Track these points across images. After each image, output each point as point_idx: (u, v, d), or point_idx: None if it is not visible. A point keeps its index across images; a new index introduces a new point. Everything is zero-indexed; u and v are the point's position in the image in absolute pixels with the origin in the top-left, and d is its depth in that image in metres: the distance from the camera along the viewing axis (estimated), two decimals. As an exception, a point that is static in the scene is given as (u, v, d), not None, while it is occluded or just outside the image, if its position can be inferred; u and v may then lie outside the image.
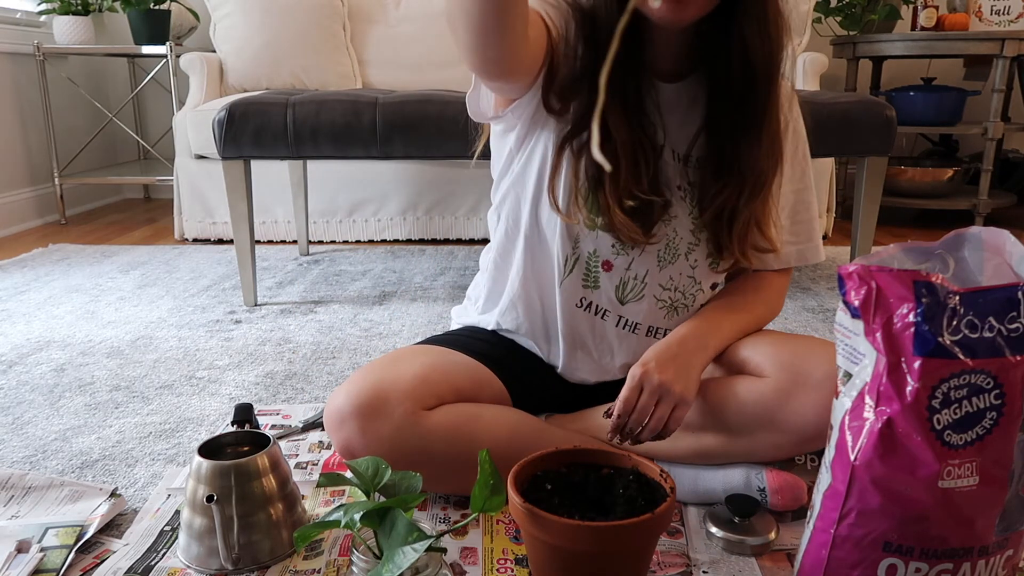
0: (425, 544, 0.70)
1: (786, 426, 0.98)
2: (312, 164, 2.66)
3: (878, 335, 0.73)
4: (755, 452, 1.01)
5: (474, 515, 0.80)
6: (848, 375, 0.77)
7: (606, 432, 0.98)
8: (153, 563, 0.93)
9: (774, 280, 1.12)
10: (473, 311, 1.21)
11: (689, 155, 1.00)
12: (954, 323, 0.71)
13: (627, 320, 1.07)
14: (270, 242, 2.82)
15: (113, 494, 1.07)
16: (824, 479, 0.79)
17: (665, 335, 1.06)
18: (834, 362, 0.81)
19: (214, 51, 2.97)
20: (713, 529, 0.97)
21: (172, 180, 2.87)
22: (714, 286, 1.10)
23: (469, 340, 1.13)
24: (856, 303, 0.75)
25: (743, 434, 1.00)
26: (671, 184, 1.01)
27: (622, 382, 1.12)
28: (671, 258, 1.04)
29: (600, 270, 1.04)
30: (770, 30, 0.90)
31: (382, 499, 0.81)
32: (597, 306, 1.07)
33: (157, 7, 3.04)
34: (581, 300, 1.07)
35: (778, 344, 1.02)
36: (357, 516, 0.74)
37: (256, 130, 1.83)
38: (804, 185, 1.10)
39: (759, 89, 0.93)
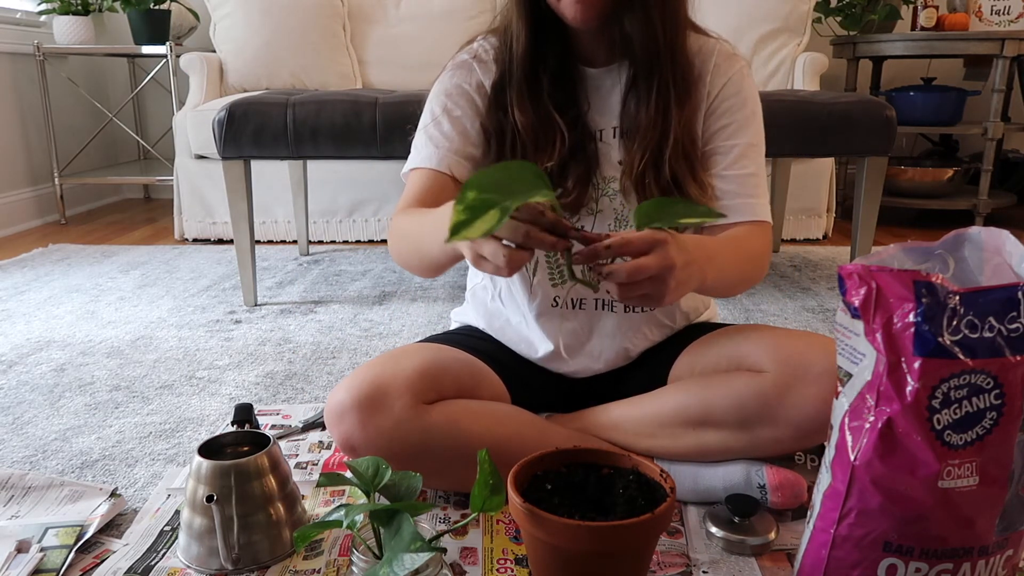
0: (426, 557, 0.70)
1: (786, 421, 0.98)
2: (312, 164, 2.66)
3: (878, 335, 0.73)
4: (755, 447, 1.01)
5: (474, 515, 0.80)
6: (848, 375, 0.77)
7: (570, 253, 0.84)
8: (153, 563, 0.93)
9: (755, 232, 1.07)
10: (472, 313, 1.21)
11: (625, 131, 1.06)
12: (954, 323, 0.71)
13: (603, 300, 1.09)
14: (270, 242, 2.82)
15: (113, 494, 1.07)
16: (824, 479, 0.79)
17: (642, 308, 1.09)
18: (833, 356, 0.80)
19: (214, 51, 2.97)
20: (713, 529, 0.97)
21: (172, 180, 2.88)
22: None
23: (468, 339, 1.14)
24: (856, 303, 0.75)
25: (743, 429, 1.00)
26: (611, 160, 1.06)
27: (619, 375, 1.12)
28: (624, 229, 1.06)
29: (560, 261, 1.07)
30: (656, 30, 0.97)
31: (382, 499, 0.81)
32: (572, 299, 1.09)
33: (157, 7, 3.04)
34: (555, 300, 1.09)
35: (777, 339, 1.02)
36: (358, 517, 0.74)
37: (256, 130, 1.83)
38: (750, 142, 1.07)
39: (643, 71, 1.01)
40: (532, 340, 1.13)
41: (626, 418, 1.07)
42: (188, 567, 0.92)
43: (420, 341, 1.16)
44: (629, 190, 1.04)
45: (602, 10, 0.95)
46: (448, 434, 0.97)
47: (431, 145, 1.07)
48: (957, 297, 0.72)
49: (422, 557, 0.70)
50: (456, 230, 0.67)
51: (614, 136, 1.06)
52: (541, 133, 1.03)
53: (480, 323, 1.19)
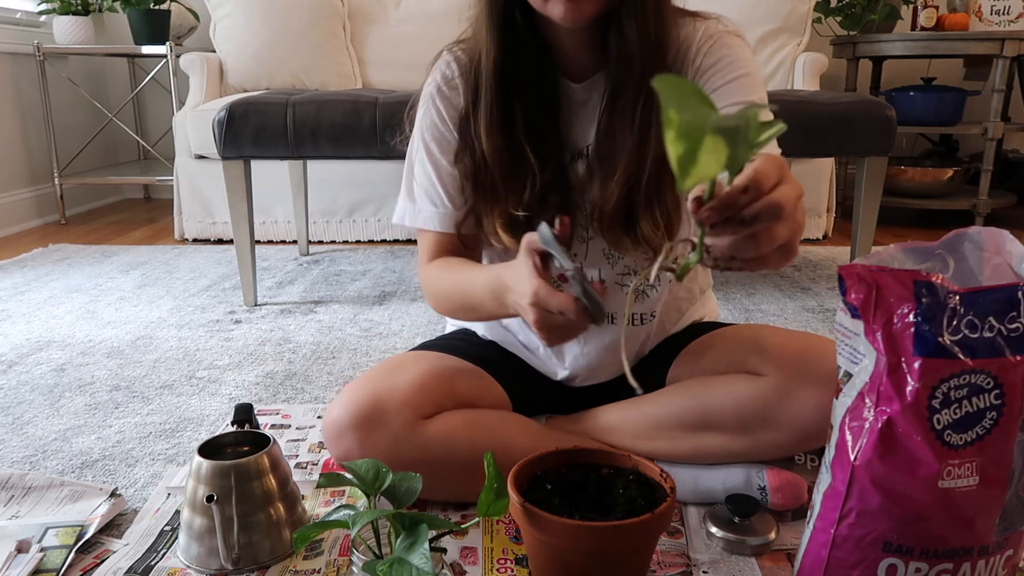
0: None
1: (786, 424, 0.98)
2: (312, 164, 2.66)
3: (878, 335, 0.73)
4: (755, 451, 1.01)
5: (477, 519, 0.80)
6: (848, 375, 0.77)
7: (692, 203, 0.62)
8: (153, 563, 0.93)
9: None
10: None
11: (601, 156, 0.97)
12: (954, 323, 0.71)
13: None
14: (270, 242, 2.82)
15: (113, 494, 1.07)
16: (824, 479, 0.79)
17: (643, 320, 1.07)
18: (834, 359, 0.80)
19: (214, 51, 2.97)
20: (713, 529, 0.97)
21: (172, 180, 2.88)
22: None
23: (466, 345, 1.13)
24: (856, 303, 0.75)
25: (743, 433, 1.00)
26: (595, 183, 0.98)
27: (617, 383, 1.12)
28: (619, 252, 1.02)
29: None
30: (649, 23, 0.90)
31: (383, 501, 0.81)
32: None
33: (157, 7, 3.04)
34: None
35: (777, 341, 1.02)
36: (360, 521, 0.74)
37: (256, 130, 1.83)
38: (739, 101, 0.94)
39: (631, 79, 0.92)
40: (538, 351, 1.13)
41: (625, 421, 1.07)
42: (188, 567, 0.92)
43: (417, 347, 1.15)
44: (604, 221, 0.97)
45: (596, 9, 0.88)
46: (447, 448, 0.97)
47: (428, 202, 1.03)
48: (957, 297, 0.72)
49: None
50: (685, 169, 0.51)
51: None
52: (511, 166, 0.95)
53: (479, 328, 1.18)
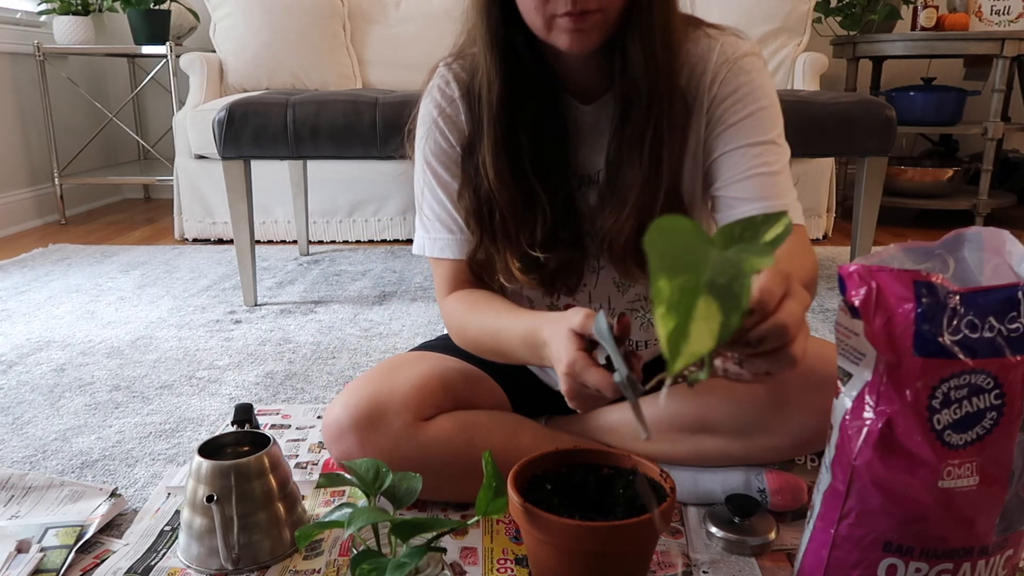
0: None
1: (784, 430, 0.98)
2: (312, 164, 2.66)
3: (878, 335, 0.73)
4: (752, 455, 1.01)
5: (476, 518, 0.80)
6: (848, 375, 0.77)
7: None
8: (153, 563, 0.93)
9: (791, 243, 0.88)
10: None
11: (611, 184, 0.94)
12: (954, 323, 0.71)
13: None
14: (270, 242, 2.82)
15: (113, 494, 1.07)
16: (824, 479, 0.79)
17: (647, 345, 1.06)
18: (833, 364, 0.80)
19: (214, 51, 2.97)
20: (713, 529, 0.97)
21: (172, 180, 2.88)
22: None
23: None
24: (856, 303, 0.74)
25: (741, 437, 1.00)
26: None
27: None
28: (631, 282, 1.01)
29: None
30: (655, 46, 0.85)
31: (383, 501, 0.81)
32: None
33: (157, 7, 3.04)
34: None
35: None
36: (355, 522, 0.74)
37: (256, 130, 1.83)
38: (755, 140, 0.92)
39: (639, 105, 0.88)
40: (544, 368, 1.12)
41: (625, 421, 1.06)
42: (188, 567, 0.92)
43: (417, 348, 1.15)
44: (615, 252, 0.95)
45: (602, 37, 0.84)
46: (447, 450, 0.97)
47: (443, 230, 0.99)
48: (957, 297, 0.72)
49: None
50: (676, 347, 0.49)
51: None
52: (521, 203, 0.92)
53: None
